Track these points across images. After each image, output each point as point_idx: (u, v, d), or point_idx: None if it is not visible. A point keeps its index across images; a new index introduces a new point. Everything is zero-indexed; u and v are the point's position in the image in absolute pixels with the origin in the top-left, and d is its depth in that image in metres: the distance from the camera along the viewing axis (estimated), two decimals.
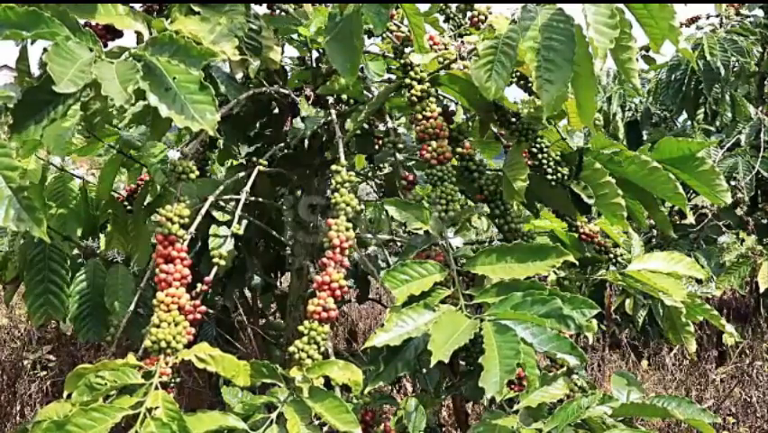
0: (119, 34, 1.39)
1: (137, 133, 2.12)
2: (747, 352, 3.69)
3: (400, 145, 1.69)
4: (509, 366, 1.16)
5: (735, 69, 4.31)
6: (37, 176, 1.88)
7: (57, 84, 1.00)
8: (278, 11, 1.81)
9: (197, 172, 1.47)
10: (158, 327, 1.25)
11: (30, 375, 3.28)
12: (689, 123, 4.77)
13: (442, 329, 1.24)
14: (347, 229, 1.38)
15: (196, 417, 1.19)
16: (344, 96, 1.78)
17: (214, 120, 1.10)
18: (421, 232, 1.51)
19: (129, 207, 2.16)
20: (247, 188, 1.59)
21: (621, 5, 1.26)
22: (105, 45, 1.33)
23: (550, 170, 1.64)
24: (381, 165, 2.05)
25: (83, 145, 2.18)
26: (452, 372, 1.58)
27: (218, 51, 1.17)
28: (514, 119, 1.67)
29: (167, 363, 1.23)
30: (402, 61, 1.62)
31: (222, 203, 1.75)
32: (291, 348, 1.28)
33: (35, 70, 1.39)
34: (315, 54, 1.87)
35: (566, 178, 1.65)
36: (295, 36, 1.84)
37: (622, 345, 3.78)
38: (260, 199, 1.80)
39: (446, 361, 1.18)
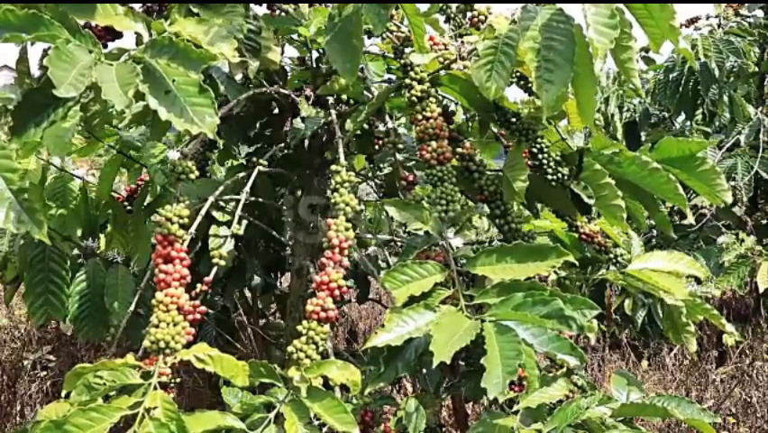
0: (118, 35, 1.39)
1: (137, 134, 2.12)
2: (747, 352, 3.69)
3: (400, 145, 1.69)
4: (511, 367, 1.16)
5: (734, 70, 4.31)
6: (37, 176, 1.87)
7: (57, 88, 1.00)
8: (277, 11, 1.81)
9: (197, 173, 1.47)
10: (157, 327, 1.25)
11: (30, 375, 3.28)
12: (687, 123, 4.77)
13: (443, 330, 1.24)
14: (347, 229, 1.38)
15: (194, 417, 1.19)
16: (344, 97, 1.78)
17: (214, 123, 1.09)
18: (421, 232, 1.51)
19: (129, 207, 2.16)
20: (247, 188, 1.59)
21: (621, 5, 1.26)
22: (105, 46, 1.33)
23: (550, 171, 1.64)
24: (381, 165, 2.05)
25: (83, 146, 2.18)
26: (452, 372, 1.58)
27: (217, 54, 1.17)
28: (514, 119, 1.66)
29: (166, 364, 1.23)
30: (402, 61, 1.62)
31: (222, 203, 1.75)
32: (290, 348, 1.28)
33: (35, 71, 1.39)
34: (315, 54, 1.87)
35: (566, 178, 1.64)
36: (295, 36, 1.84)
37: (622, 345, 3.78)
38: (260, 200, 1.80)
39: (448, 362, 1.18)
